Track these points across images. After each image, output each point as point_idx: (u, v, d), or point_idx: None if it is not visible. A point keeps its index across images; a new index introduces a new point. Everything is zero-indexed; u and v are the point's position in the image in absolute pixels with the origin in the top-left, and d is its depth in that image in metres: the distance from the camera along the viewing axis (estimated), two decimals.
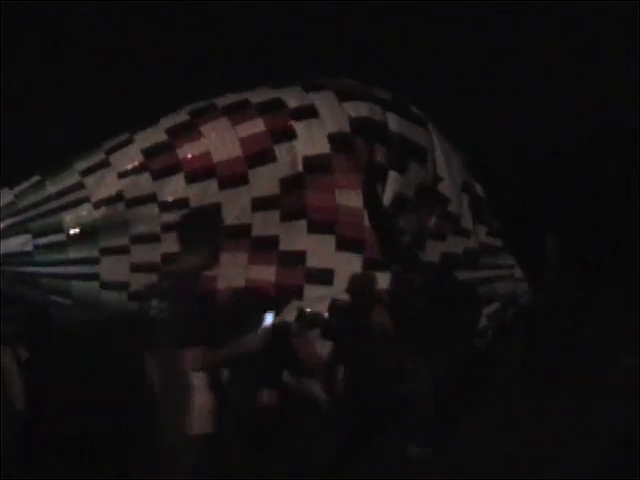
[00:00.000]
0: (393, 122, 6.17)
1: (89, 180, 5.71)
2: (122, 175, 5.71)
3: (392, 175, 6.11)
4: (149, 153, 5.76)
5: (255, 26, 9.64)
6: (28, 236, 5.65)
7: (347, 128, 6.00)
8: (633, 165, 8.97)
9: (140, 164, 5.74)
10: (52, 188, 5.74)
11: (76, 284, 5.66)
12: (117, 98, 8.62)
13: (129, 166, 5.73)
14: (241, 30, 9.53)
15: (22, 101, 8.84)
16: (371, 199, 5.97)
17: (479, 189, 6.63)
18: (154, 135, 5.85)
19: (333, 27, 9.85)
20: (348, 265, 5.65)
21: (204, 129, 5.84)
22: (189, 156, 5.76)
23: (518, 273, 6.71)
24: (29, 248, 5.64)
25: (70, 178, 5.76)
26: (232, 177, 5.76)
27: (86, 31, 9.52)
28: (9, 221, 5.67)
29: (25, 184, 5.80)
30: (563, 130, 9.75)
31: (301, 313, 5.58)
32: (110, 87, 9.30)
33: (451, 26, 10.07)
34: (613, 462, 5.09)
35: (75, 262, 5.63)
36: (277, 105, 6.00)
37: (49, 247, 5.65)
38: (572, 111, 9.82)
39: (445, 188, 6.40)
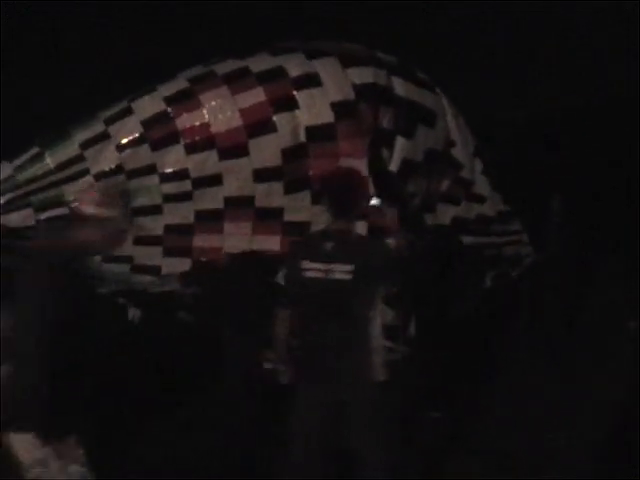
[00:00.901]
0: (399, 86, 6.04)
1: (89, 152, 5.65)
2: (121, 147, 5.65)
3: (399, 140, 6.00)
4: (148, 124, 5.68)
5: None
6: (30, 210, 5.62)
7: (351, 95, 5.87)
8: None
9: (139, 135, 5.67)
10: (51, 161, 5.68)
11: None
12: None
13: (128, 138, 5.66)
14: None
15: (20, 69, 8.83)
16: (375, 164, 5.90)
17: (487, 154, 6.53)
18: (153, 104, 5.75)
19: None
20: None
21: (203, 98, 5.74)
22: (188, 126, 5.68)
23: (525, 237, 6.70)
24: (32, 222, 5.61)
25: (70, 150, 5.68)
26: (232, 148, 5.68)
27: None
28: (9, 195, 5.63)
29: (24, 157, 5.74)
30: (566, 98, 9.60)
31: None
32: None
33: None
34: (613, 461, 5.09)
35: None
36: (278, 74, 5.87)
37: (52, 221, 5.58)
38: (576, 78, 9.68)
39: (458, 153, 6.30)
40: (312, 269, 4.37)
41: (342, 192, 4.58)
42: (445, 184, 6.34)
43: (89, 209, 4.27)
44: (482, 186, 6.39)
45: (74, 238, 4.21)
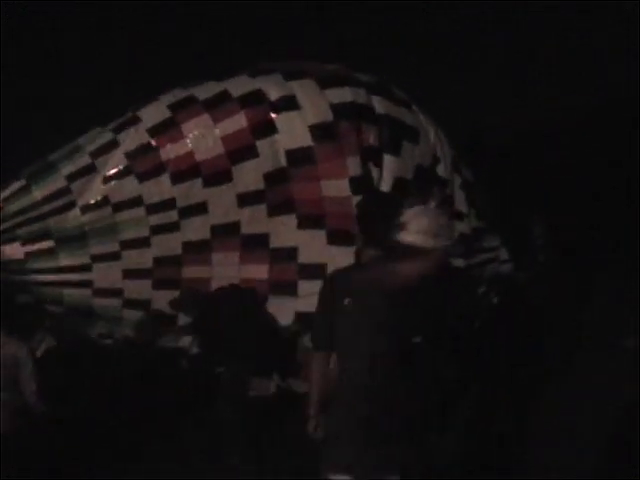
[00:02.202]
0: (378, 104, 6.09)
1: (75, 185, 5.73)
2: (107, 179, 5.74)
3: (387, 158, 6.05)
4: (133, 156, 5.76)
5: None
6: (17, 243, 5.69)
7: (329, 117, 5.93)
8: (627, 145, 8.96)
9: (125, 167, 5.75)
10: (38, 193, 5.76)
11: (68, 292, 5.71)
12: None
13: (113, 170, 5.74)
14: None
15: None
16: (364, 182, 5.90)
17: (465, 170, 6.57)
18: (137, 136, 5.82)
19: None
20: (341, 258, 5.48)
21: (185, 127, 5.81)
22: (172, 156, 5.76)
23: (503, 254, 6.69)
24: (20, 256, 5.69)
25: (56, 183, 5.76)
26: (216, 175, 5.76)
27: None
28: None
29: (10, 189, 5.80)
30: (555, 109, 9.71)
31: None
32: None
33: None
34: (613, 462, 5.15)
35: (67, 269, 5.68)
36: (258, 97, 5.93)
37: (39, 254, 5.69)
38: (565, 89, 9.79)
39: (441, 169, 6.32)
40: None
41: (373, 220, 4.16)
42: (434, 203, 6.23)
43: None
44: (460, 202, 6.41)
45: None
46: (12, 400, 4.79)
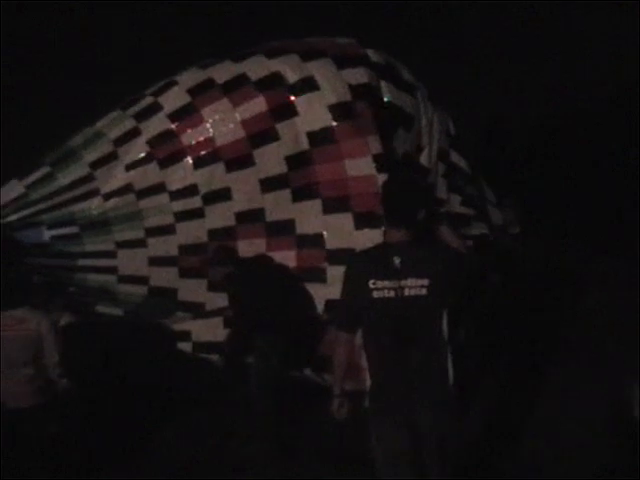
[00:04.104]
0: (385, 90, 6.07)
1: (98, 172, 5.80)
2: (130, 166, 5.79)
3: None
4: (154, 143, 5.81)
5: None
6: (43, 228, 5.78)
7: (348, 96, 5.91)
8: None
9: (146, 154, 5.80)
10: (63, 180, 5.85)
11: (93, 277, 5.80)
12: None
13: (136, 157, 5.79)
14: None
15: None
16: (388, 160, 5.86)
17: (455, 156, 6.46)
18: (158, 123, 5.85)
19: None
20: (368, 240, 5.39)
21: (205, 112, 5.83)
22: (193, 142, 5.80)
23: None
24: (45, 240, 5.78)
25: (80, 170, 5.84)
26: (237, 159, 5.79)
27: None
28: (23, 213, 5.80)
29: (34, 175, 5.90)
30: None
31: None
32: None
33: None
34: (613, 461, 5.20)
35: (91, 255, 5.77)
36: (276, 80, 5.91)
37: (64, 239, 5.78)
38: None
39: (424, 158, 6.27)
40: (381, 288, 3.94)
41: (402, 200, 4.12)
42: None
43: None
44: (441, 189, 6.35)
45: None
46: (36, 376, 4.90)
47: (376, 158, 5.78)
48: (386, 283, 3.92)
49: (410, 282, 3.91)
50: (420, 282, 3.91)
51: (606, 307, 6.98)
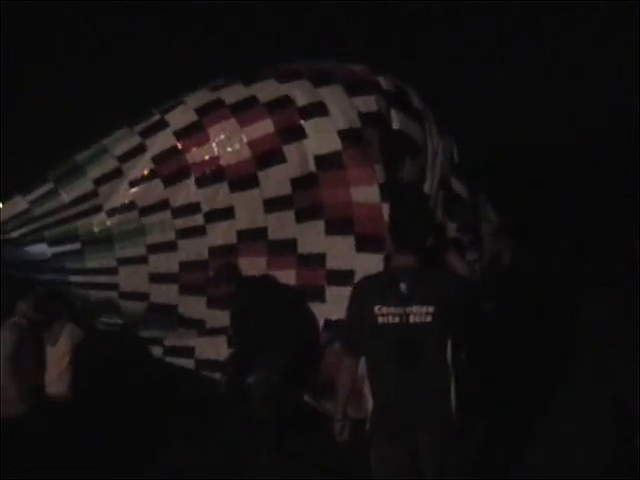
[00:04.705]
0: (395, 118, 6.02)
1: (102, 189, 5.78)
2: (134, 183, 5.76)
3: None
4: (159, 159, 5.78)
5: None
6: (44, 244, 5.76)
7: (357, 123, 5.87)
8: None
9: (151, 171, 5.77)
10: (66, 196, 5.83)
11: (94, 293, 5.76)
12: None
13: (140, 174, 5.77)
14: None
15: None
16: (393, 190, 5.81)
17: (456, 184, 6.34)
18: (164, 140, 5.83)
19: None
20: (369, 265, 5.48)
21: (212, 131, 5.81)
22: (198, 160, 5.77)
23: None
24: (46, 256, 5.75)
25: (84, 186, 5.83)
26: (242, 179, 5.74)
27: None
28: (24, 229, 5.79)
29: (38, 191, 5.88)
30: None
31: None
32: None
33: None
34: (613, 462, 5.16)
35: (93, 272, 5.73)
36: (285, 103, 5.89)
37: (65, 255, 5.76)
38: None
39: (427, 186, 6.18)
40: (386, 314, 3.92)
41: (410, 225, 4.11)
42: None
43: None
44: (438, 215, 6.17)
45: None
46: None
47: (382, 187, 5.75)
48: (391, 309, 3.90)
49: (415, 309, 3.89)
50: (426, 309, 3.88)
51: (606, 317, 6.88)
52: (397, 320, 3.89)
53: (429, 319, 3.87)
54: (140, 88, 8.35)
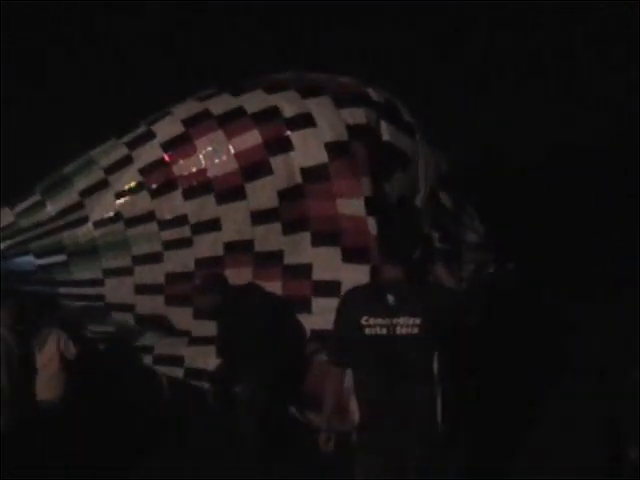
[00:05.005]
0: (384, 130, 6.02)
1: (88, 200, 5.78)
2: (120, 195, 5.76)
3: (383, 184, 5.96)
4: (146, 171, 5.78)
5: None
6: (30, 256, 5.75)
7: (345, 136, 5.86)
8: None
9: (138, 183, 5.76)
10: (52, 208, 5.83)
11: (81, 304, 5.77)
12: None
13: (126, 186, 5.76)
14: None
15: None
16: (378, 202, 5.82)
17: (443, 195, 6.33)
18: (150, 151, 5.83)
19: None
20: (355, 276, 5.46)
21: (199, 143, 5.80)
22: (185, 172, 5.76)
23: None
24: (32, 268, 5.74)
25: (70, 198, 5.82)
26: (229, 191, 5.74)
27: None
28: (10, 241, 5.78)
29: (25, 203, 5.89)
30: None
31: None
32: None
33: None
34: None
35: (79, 283, 5.72)
36: (273, 114, 5.88)
37: (51, 267, 5.75)
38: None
39: (418, 200, 6.19)
40: (373, 325, 3.89)
41: (399, 237, 4.19)
42: None
43: None
44: (425, 226, 6.14)
45: None
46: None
47: (368, 200, 5.74)
48: (379, 320, 3.88)
49: (403, 321, 3.87)
50: (413, 321, 3.86)
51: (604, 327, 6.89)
52: (384, 331, 3.87)
53: (416, 331, 3.85)
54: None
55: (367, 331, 3.89)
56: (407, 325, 3.86)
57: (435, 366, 3.91)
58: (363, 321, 3.90)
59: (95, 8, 9.92)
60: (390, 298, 3.91)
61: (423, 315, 3.86)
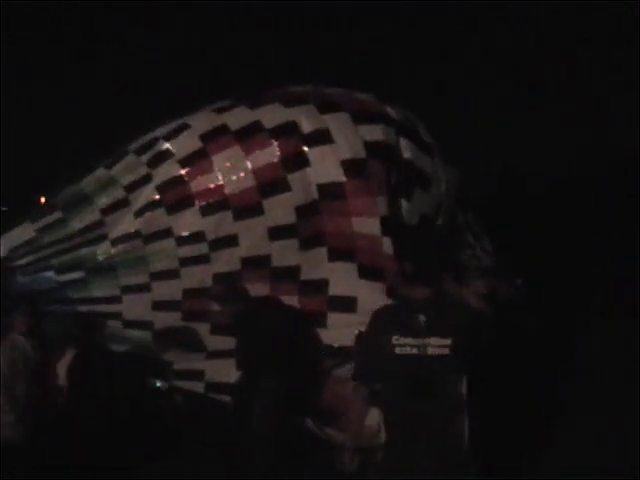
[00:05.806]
0: (404, 148, 6.02)
1: (109, 218, 5.82)
2: (139, 212, 5.79)
3: (402, 202, 5.98)
4: (164, 188, 5.80)
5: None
6: (51, 273, 5.80)
7: (362, 153, 5.86)
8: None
9: (155, 200, 5.79)
10: (73, 225, 5.88)
11: (99, 322, 5.76)
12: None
13: (145, 203, 5.79)
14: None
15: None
16: (393, 222, 5.82)
17: (460, 215, 6.42)
18: (168, 168, 5.85)
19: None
20: (371, 293, 5.51)
21: (216, 159, 5.82)
22: (202, 189, 5.77)
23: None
24: (52, 285, 5.78)
25: (91, 216, 5.87)
26: (246, 208, 5.75)
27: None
28: (31, 257, 5.84)
29: (46, 219, 5.95)
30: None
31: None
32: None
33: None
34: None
35: (98, 301, 5.74)
36: (290, 129, 5.89)
37: (71, 284, 5.78)
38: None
39: (439, 220, 6.23)
40: (404, 345, 3.87)
41: (428, 258, 4.16)
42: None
43: None
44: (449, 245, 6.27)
45: None
46: None
47: (383, 220, 5.73)
48: (409, 340, 3.86)
49: (434, 341, 3.85)
50: (443, 342, 3.84)
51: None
52: (415, 351, 3.85)
53: (446, 351, 3.83)
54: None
55: (398, 350, 3.87)
56: (438, 345, 3.84)
57: (464, 387, 3.90)
58: (394, 340, 3.87)
59: (95, 8, 10.00)
60: (421, 318, 3.88)
61: (454, 336, 3.84)
